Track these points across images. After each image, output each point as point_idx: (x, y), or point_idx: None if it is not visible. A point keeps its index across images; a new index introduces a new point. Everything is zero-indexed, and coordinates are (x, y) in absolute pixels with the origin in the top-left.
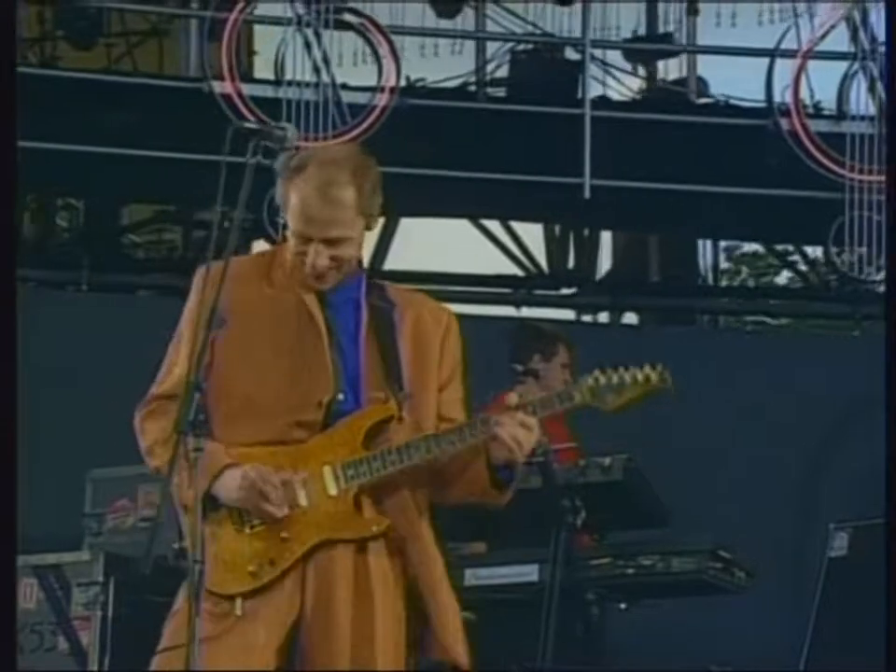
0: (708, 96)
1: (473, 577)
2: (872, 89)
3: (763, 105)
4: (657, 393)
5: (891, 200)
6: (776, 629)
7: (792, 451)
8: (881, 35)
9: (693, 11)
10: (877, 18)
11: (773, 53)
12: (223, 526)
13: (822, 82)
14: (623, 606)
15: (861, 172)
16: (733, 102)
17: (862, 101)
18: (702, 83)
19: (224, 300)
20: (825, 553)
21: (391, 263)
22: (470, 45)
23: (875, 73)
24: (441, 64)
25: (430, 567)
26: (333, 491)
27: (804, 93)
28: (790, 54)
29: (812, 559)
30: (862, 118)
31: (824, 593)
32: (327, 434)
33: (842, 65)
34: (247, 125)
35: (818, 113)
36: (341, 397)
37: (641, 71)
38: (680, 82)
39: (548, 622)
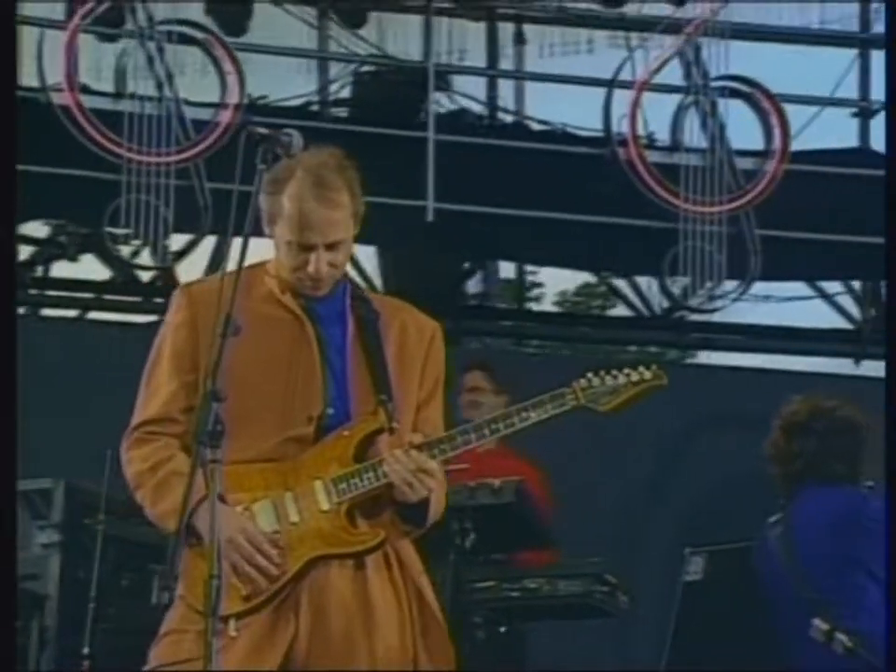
0: (546, 123)
1: None
2: (704, 123)
3: (600, 133)
4: (652, 391)
5: (891, 224)
6: (633, 652)
7: (625, 479)
8: (713, 70)
9: (520, 40)
10: (709, 54)
11: (610, 84)
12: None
13: (656, 114)
14: (502, 629)
15: (694, 203)
16: (570, 130)
17: (696, 133)
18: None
19: (221, 315)
20: (681, 577)
21: None
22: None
23: (708, 107)
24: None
25: (424, 576)
26: (325, 506)
27: (638, 124)
28: (626, 85)
29: (666, 584)
30: (696, 150)
31: (680, 616)
32: (317, 448)
33: (675, 98)
34: (259, 130)
35: (652, 144)
36: (330, 411)
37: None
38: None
39: None
